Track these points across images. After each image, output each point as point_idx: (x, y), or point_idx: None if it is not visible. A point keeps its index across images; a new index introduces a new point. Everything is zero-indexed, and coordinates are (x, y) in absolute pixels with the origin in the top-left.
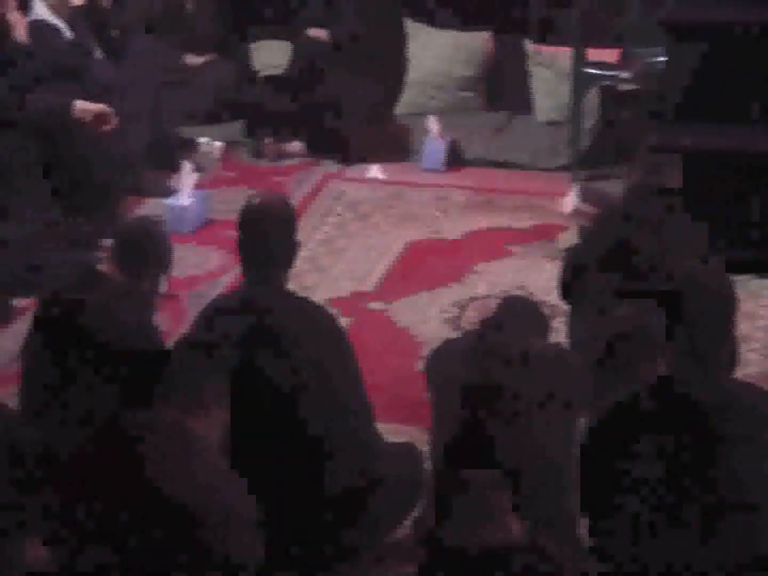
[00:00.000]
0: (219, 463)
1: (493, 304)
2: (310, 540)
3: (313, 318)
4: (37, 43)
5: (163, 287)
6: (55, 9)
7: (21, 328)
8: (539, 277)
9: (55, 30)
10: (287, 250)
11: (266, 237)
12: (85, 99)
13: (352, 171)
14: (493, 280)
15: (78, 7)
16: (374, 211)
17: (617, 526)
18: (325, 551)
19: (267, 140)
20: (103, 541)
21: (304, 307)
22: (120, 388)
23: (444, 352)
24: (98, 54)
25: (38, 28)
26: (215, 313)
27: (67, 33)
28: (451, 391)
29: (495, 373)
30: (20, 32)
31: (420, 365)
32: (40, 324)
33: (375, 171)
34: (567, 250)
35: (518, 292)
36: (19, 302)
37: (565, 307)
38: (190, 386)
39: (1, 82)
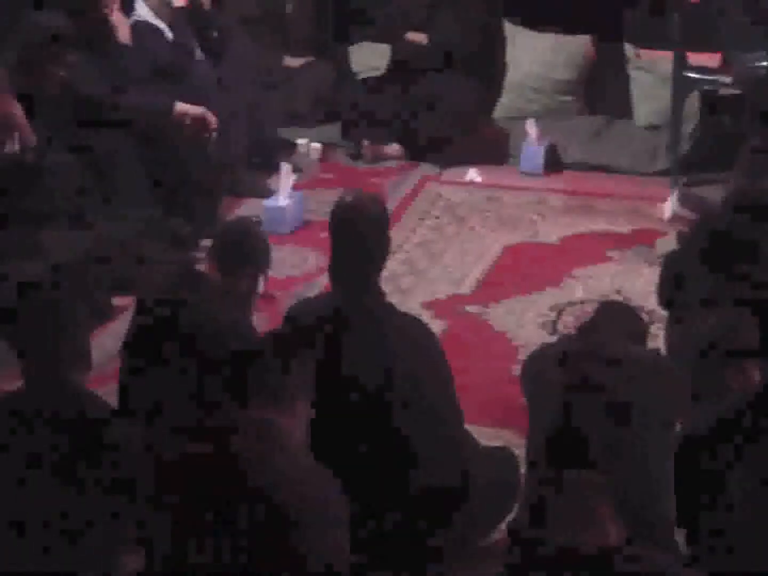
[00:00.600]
0: (309, 459)
1: (590, 308)
2: (401, 541)
3: (404, 322)
4: (138, 44)
5: (261, 288)
6: (156, 10)
7: (121, 326)
8: (637, 283)
9: (157, 31)
10: (379, 250)
11: (358, 237)
12: (185, 100)
13: (450, 174)
14: (590, 285)
15: (179, 8)
16: (471, 215)
17: (714, 535)
18: (417, 553)
19: (365, 142)
20: (199, 542)
21: (394, 311)
22: (217, 388)
23: (541, 357)
24: (198, 55)
25: (140, 29)
26: (304, 311)
27: (168, 34)
28: (547, 395)
29: (592, 378)
30: (123, 33)
31: (516, 369)
32: (139, 323)
33: (473, 174)
34: (665, 255)
35: (616, 297)
36: (119, 300)
37: (662, 312)
38: (275, 380)
39: (104, 82)
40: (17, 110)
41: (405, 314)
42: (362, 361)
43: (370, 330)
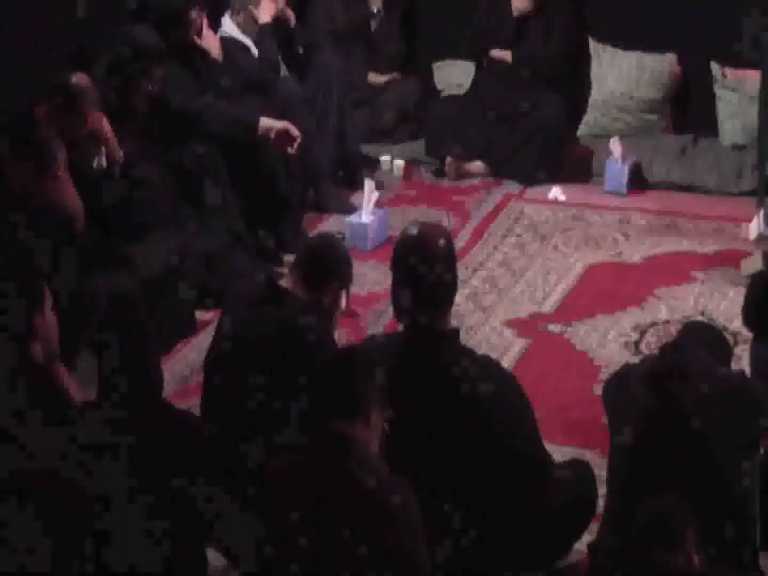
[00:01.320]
0: (385, 469)
1: (673, 329)
2: (475, 556)
3: (474, 359)
4: (225, 59)
5: (344, 304)
6: (242, 26)
7: (205, 339)
8: (722, 303)
9: (243, 47)
10: (445, 288)
11: (422, 274)
12: (270, 115)
13: (533, 192)
14: (674, 305)
15: (265, 24)
16: (554, 233)
17: None
18: (493, 569)
19: (448, 159)
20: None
21: (465, 352)
22: (299, 402)
23: (623, 376)
24: (284, 70)
25: (227, 45)
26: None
27: (254, 50)
28: (629, 415)
29: (675, 398)
30: (212, 49)
31: (598, 389)
32: (226, 336)
33: (556, 192)
34: (751, 276)
35: (700, 318)
36: (203, 314)
37: (747, 334)
38: (351, 393)
39: (191, 97)
40: (106, 125)
41: (474, 353)
42: (431, 406)
43: (438, 375)
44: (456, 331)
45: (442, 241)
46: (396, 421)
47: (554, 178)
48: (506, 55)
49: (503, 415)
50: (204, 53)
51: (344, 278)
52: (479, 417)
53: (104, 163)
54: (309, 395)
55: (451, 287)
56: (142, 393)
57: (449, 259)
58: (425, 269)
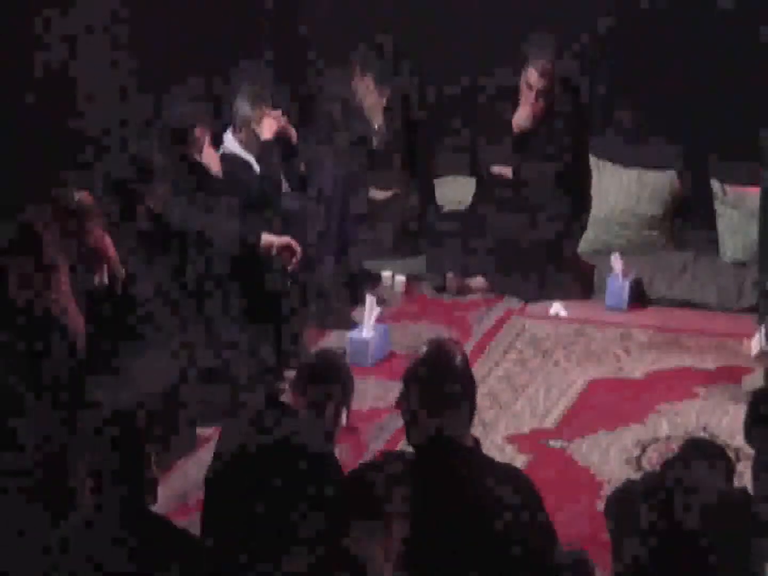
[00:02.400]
0: None
1: (675, 445)
2: None
3: (497, 469)
4: (227, 175)
5: (345, 420)
6: (244, 143)
7: (205, 456)
8: (724, 420)
9: (245, 163)
10: (462, 403)
11: (441, 392)
12: (272, 231)
13: (534, 307)
14: (676, 421)
15: (266, 141)
16: (556, 348)
17: None
18: None
19: (449, 275)
20: None
21: (487, 462)
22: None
23: (625, 493)
24: (285, 187)
25: (228, 161)
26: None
27: (256, 166)
28: (632, 531)
29: (678, 516)
30: (213, 165)
31: (600, 505)
32: (226, 453)
33: (557, 308)
34: (753, 392)
35: (702, 434)
36: (203, 430)
37: (750, 450)
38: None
39: (193, 213)
40: (108, 243)
41: (496, 463)
42: (451, 517)
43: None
44: (476, 442)
45: (458, 357)
46: (417, 534)
47: (555, 294)
48: (507, 172)
49: (525, 527)
50: (203, 169)
51: (344, 396)
52: (501, 529)
53: (105, 280)
54: (326, 513)
55: (470, 401)
56: (140, 509)
57: (466, 374)
58: (443, 385)
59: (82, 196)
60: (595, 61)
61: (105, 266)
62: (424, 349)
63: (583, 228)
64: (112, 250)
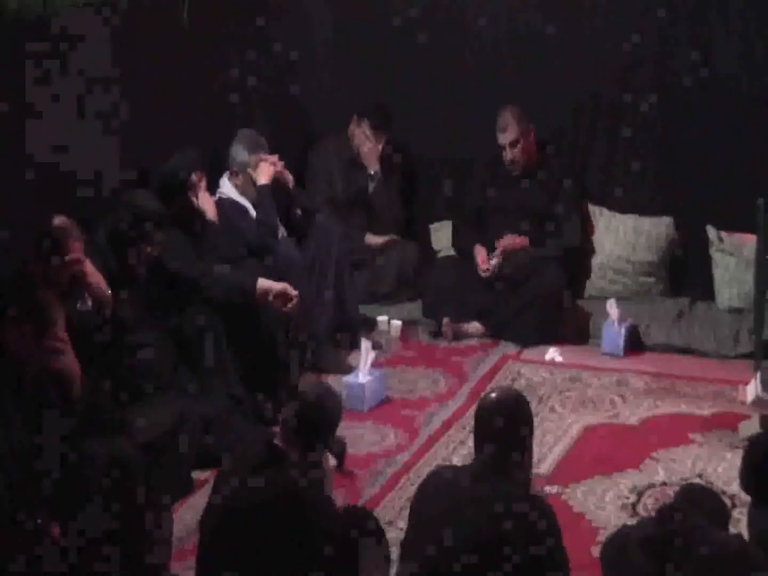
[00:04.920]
0: None
1: (671, 491)
2: None
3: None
4: (223, 221)
5: (331, 461)
6: (241, 188)
7: (200, 500)
8: (719, 466)
9: (241, 209)
10: (520, 445)
11: (500, 433)
12: (268, 276)
13: (530, 353)
14: (672, 468)
15: (263, 186)
16: (551, 394)
17: None
18: None
19: (445, 320)
20: None
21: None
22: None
23: (621, 539)
24: (282, 233)
25: (225, 207)
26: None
27: (252, 212)
28: None
29: (673, 562)
30: (209, 211)
31: (596, 551)
32: (224, 502)
33: (553, 353)
34: (748, 439)
35: (698, 480)
36: (199, 474)
37: (746, 497)
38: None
39: (190, 260)
40: (89, 266)
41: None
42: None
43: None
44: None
45: (521, 402)
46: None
47: (551, 340)
48: (486, 266)
49: (550, 553)
50: (201, 216)
51: (327, 439)
52: (533, 552)
53: (89, 305)
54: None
55: (528, 442)
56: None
57: (528, 417)
58: (509, 428)
59: (59, 220)
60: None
61: (86, 293)
62: (490, 394)
63: (583, 276)
64: (94, 274)
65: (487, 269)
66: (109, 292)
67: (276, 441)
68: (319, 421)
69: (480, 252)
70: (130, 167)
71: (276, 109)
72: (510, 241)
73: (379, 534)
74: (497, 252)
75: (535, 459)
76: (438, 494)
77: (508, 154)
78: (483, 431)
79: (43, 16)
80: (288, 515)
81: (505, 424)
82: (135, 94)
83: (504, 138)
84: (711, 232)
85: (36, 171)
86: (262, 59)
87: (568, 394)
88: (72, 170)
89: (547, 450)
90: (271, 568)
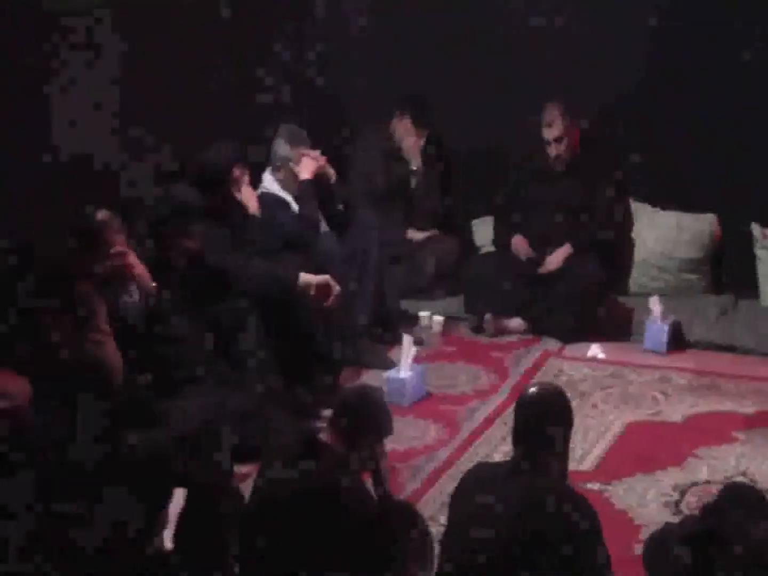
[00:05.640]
0: None
1: (714, 489)
2: None
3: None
4: (265, 215)
5: (383, 455)
6: (283, 182)
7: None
8: (763, 465)
9: (283, 203)
10: (559, 439)
11: (541, 428)
12: (310, 270)
13: (572, 349)
14: (714, 465)
15: (305, 180)
16: (593, 391)
17: None
18: None
19: (487, 316)
20: None
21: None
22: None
23: (663, 537)
24: (324, 227)
25: (267, 201)
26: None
27: (294, 206)
28: None
29: (717, 561)
30: (251, 205)
31: (638, 549)
32: (262, 494)
33: (595, 350)
34: None
35: (741, 479)
36: (240, 468)
37: None
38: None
39: (230, 253)
40: (133, 258)
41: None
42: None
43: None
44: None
45: (561, 398)
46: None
47: (594, 336)
48: (527, 253)
49: (592, 552)
50: (242, 209)
51: (380, 431)
52: (570, 549)
53: (136, 296)
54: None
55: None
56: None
57: (567, 414)
58: (547, 424)
59: (102, 214)
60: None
61: (133, 284)
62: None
63: (624, 272)
64: (138, 266)
65: (530, 256)
66: (154, 284)
67: (320, 435)
68: (365, 416)
69: (520, 242)
70: (169, 161)
71: (314, 103)
72: (554, 265)
73: (421, 528)
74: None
75: (577, 455)
76: (475, 490)
77: (552, 150)
78: (521, 427)
79: (82, 7)
80: (326, 508)
81: (543, 420)
82: (173, 88)
83: (549, 133)
84: (755, 229)
85: (70, 165)
86: (298, 53)
87: (610, 390)
88: (107, 162)
89: (590, 447)
90: (309, 560)
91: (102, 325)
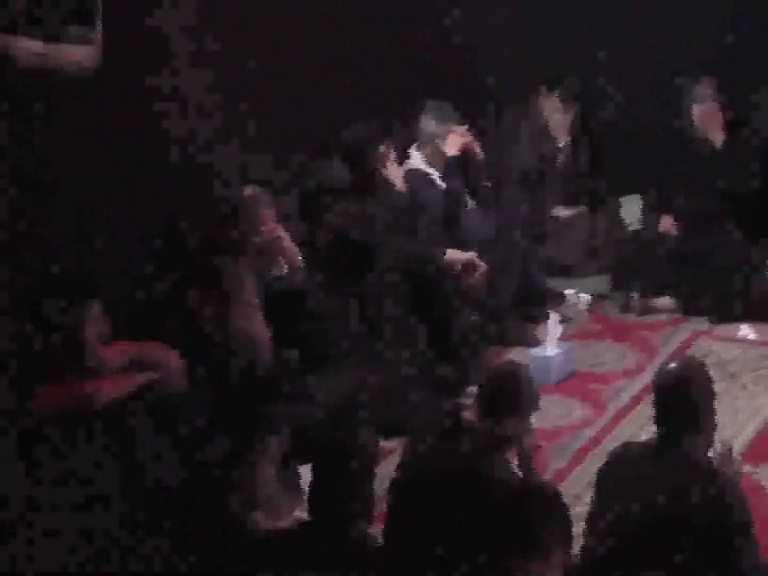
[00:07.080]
0: None
1: None
2: None
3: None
4: (411, 191)
5: (529, 434)
6: (429, 159)
7: (386, 469)
8: None
9: (429, 179)
10: (701, 417)
11: (682, 400)
12: (455, 247)
13: (722, 329)
14: None
15: (451, 157)
16: (743, 372)
17: None
18: None
19: (635, 294)
20: None
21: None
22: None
23: None
24: (470, 203)
25: (413, 177)
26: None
27: (440, 182)
28: None
29: None
30: (397, 182)
31: None
32: (408, 470)
33: (746, 331)
34: None
35: None
36: (385, 444)
37: None
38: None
39: (376, 229)
40: (282, 232)
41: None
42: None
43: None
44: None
45: (699, 373)
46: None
47: (744, 317)
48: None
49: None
50: (388, 185)
51: (527, 407)
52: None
53: (284, 270)
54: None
55: (711, 413)
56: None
57: (707, 389)
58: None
59: (251, 190)
60: None
61: (282, 259)
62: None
63: None
64: (287, 240)
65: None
66: (301, 258)
67: (465, 412)
68: (512, 393)
69: (665, 221)
70: (316, 138)
71: (459, 81)
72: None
73: (560, 508)
74: None
75: (726, 437)
76: (620, 469)
77: (700, 128)
78: (659, 404)
79: None
80: (470, 486)
81: (684, 391)
82: (321, 68)
83: (698, 110)
84: None
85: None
86: (443, 31)
87: (761, 372)
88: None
89: (739, 428)
90: (452, 535)
91: (250, 299)
